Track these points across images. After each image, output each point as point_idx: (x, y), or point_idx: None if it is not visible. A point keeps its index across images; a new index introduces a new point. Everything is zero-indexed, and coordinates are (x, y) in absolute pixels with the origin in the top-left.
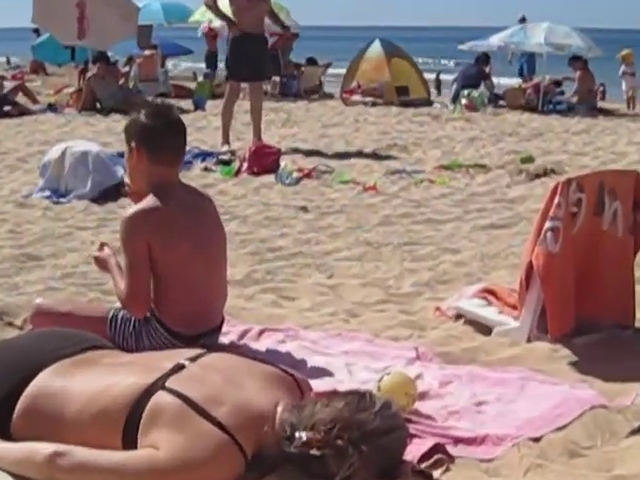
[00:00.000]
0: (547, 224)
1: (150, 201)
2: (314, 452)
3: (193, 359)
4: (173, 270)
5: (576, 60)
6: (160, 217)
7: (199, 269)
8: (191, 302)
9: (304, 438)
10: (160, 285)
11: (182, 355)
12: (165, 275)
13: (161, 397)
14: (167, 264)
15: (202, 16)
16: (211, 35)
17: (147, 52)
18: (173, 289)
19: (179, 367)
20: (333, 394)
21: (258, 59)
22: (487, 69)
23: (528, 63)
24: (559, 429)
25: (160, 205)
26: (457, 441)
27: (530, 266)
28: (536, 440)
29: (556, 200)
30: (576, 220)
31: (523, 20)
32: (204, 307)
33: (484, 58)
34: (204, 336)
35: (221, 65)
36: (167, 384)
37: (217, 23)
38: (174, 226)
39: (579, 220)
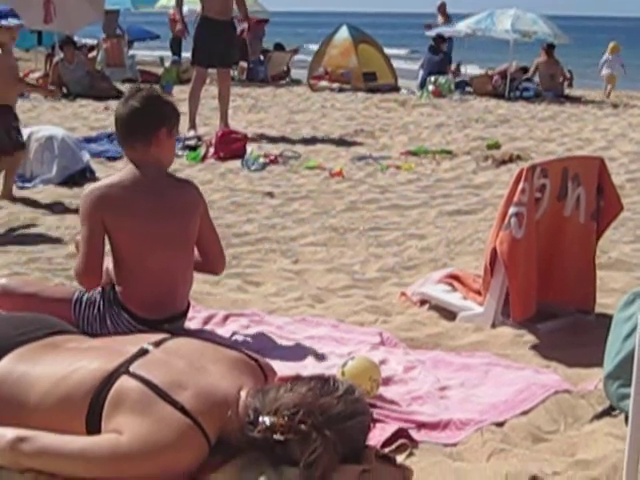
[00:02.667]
0: (511, 209)
1: (113, 178)
2: (277, 437)
3: (157, 344)
4: (131, 252)
5: (549, 47)
6: (116, 194)
7: (159, 254)
8: (153, 287)
9: (267, 423)
10: (122, 269)
11: (146, 340)
12: (124, 258)
13: (125, 382)
14: (123, 245)
15: (169, 1)
16: (176, 20)
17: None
18: (134, 274)
19: (143, 352)
20: (297, 379)
21: (225, 45)
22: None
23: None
24: (523, 414)
25: (120, 182)
26: (420, 426)
27: (494, 252)
28: (500, 425)
29: (520, 186)
30: (540, 206)
31: (441, 7)
32: (167, 292)
33: (440, 40)
34: (169, 321)
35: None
36: (131, 369)
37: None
38: (129, 205)
39: (543, 206)
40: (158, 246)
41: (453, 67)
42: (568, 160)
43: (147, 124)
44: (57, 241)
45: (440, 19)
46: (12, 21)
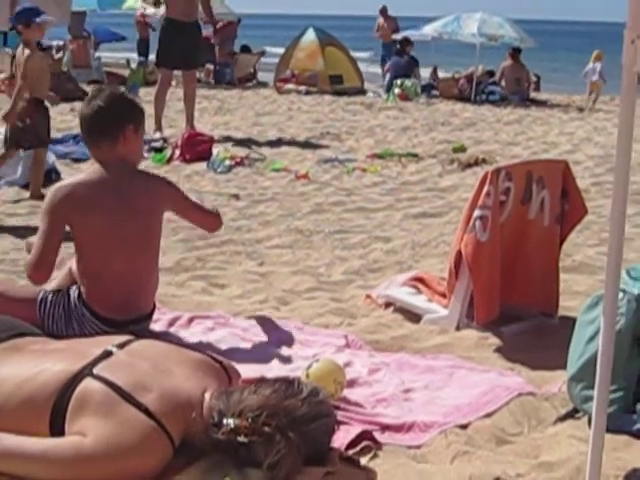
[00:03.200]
0: (476, 212)
1: (80, 177)
2: (241, 439)
3: (121, 346)
4: (96, 252)
5: (514, 51)
6: (82, 193)
7: (124, 254)
8: (118, 288)
9: (231, 425)
10: (87, 269)
11: (110, 342)
12: (89, 257)
13: (88, 384)
14: (88, 244)
15: (135, 2)
16: (143, 22)
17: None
18: (99, 274)
19: (107, 354)
20: (261, 381)
21: (190, 47)
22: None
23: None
24: (487, 416)
25: (86, 181)
26: (385, 428)
27: (459, 254)
28: (463, 427)
29: (485, 189)
30: (504, 209)
31: (383, 10)
32: (132, 293)
33: (403, 46)
34: (134, 322)
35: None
36: (95, 371)
37: (150, 10)
38: (94, 204)
39: (507, 209)
40: (123, 246)
41: (431, 70)
42: (532, 163)
43: (113, 122)
44: (22, 243)
45: (381, 20)
46: (44, 18)
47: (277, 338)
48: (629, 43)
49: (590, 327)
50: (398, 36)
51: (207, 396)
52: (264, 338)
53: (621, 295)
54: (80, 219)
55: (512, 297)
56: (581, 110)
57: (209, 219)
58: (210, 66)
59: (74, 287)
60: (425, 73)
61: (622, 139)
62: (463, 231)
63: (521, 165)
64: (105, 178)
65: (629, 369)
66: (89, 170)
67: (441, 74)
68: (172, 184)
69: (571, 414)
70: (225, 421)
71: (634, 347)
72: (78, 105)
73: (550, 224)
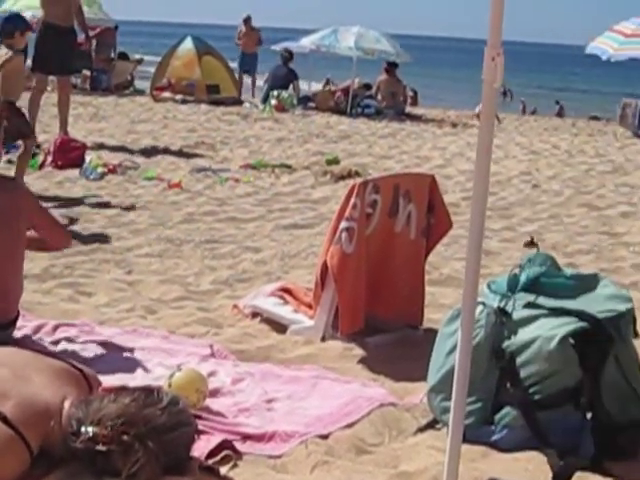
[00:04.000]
0: (342, 224)
1: None
2: (100, 447)
3: None
4: None
5: (390, 65)
6: None
7: None
8: None
9: (90, 433)
10: None
11: None
12: None
13: None
14: None
15: (12, 5)
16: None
17: None
18: None
19: None
20: (121, 389)
21: (65, 53)
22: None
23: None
24: (348, 426)
25: None
26: (246, 437)
27: (325, 266)
28: (324, 437)
29: (352, 201)
30: (370, 221)
31: (247, 20)
32: None
33: (288, 56)
34: None
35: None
36: None
37: (28, 14)
38: None
39: (373, 221)
40: None
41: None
42: (400, 177)
43: None
44: None
45: (243, 29)
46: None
47: (142, 347)
48: (489, 60)
49: (450, 340)
50: (278, 47)
51: (66, 404)
52: (129, 347)
53: (481, 308)
54: None
55: (378, 308)
56: (455, 125)
57: (58, 237)
58: (87, 72)
59: None
60: (304, 85)
61: (481, 154)
62: (329, 242)
63: (388, 178)
64: None
65: (487, 381)
66: None
67: (317, 86)
68: (31, 195)
69: (431, 425)
70: (83, 429)
71: (492, 359)
72: None
73: (416, 237)
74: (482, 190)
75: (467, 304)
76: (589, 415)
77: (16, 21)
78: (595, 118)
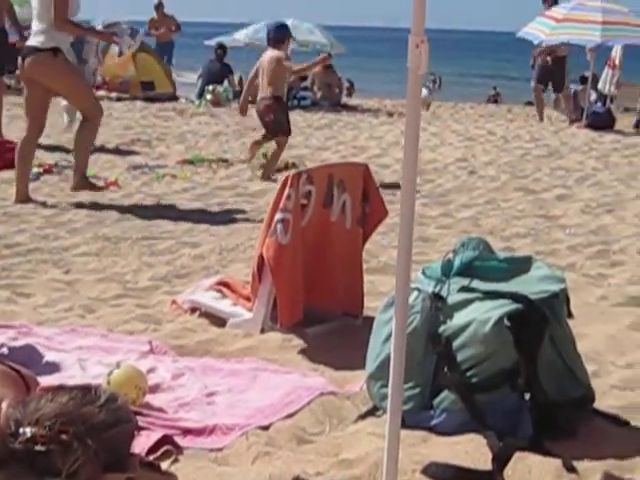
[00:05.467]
0: (277, 216)
1: None
2: (39, 448)
3: None
4: None
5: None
6: None
7: None
8: None
9: (28, 434)
10: None
11: None
12: None
13: None
14: None
15: None
16: None
17: None
18: None
19: None
20: (58, 389)
21: None
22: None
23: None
24: (288, 417)
25: None
26: (186, 432)
27: (262, 258)
28: (265, 428)
29: (286, 192)
30: (306, 212)
31: (158, 6)
32: None
33: (222, 52)
34: None
35: None
36: None
37: None
38: None
39: (309, 212)
40: None
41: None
42: (333, 167)
43: None
44: None
45: (155, 17)
46: None
47: (80, 346)
48: (413, 47)
49: (386, 327)
50: (212, 42)
51: (4, 405)
52: (68, 346)
53: (416, 294)
54: None
55: (317, 299)
56: (391, 115)
57: None
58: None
59: None
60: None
61: (409, 140)
62: (265, 235)
63: (322, 168)
64: None
65: (425, 366)
66: None
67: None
68: None
69: (371, 412)
70: (22, 430)
71: (429, 344)
72: None
73: (352, 226)
74: (411, 176)
75: (400, 290)
76: (527, 396)
77: None
78: (530, 104)
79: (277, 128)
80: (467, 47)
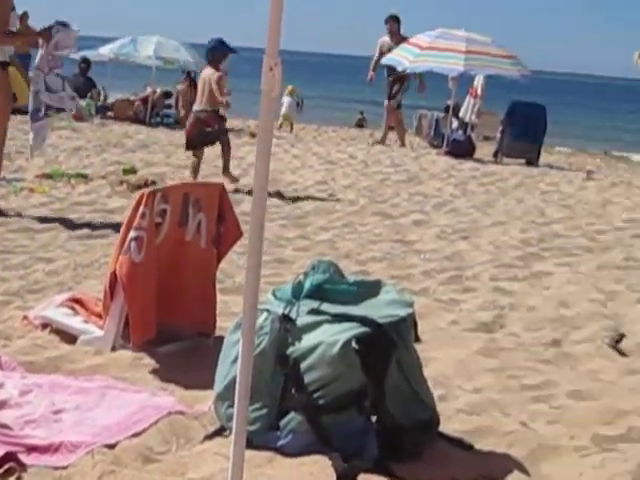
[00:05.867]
0: (131, 234)
1: None
2: None
3: None
4: None
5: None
6: None
7: None
8: None
9: None
10: None
11: None
12: None
13: None
14: None
15: None
16: None
17: None
18: None
19: None
20: None
21: None
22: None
23: None
24: (135, 435)
25: None
26: (31, 449)
27: (114, 275)
28: (111, 447)
29: (140, 210)
30: (160, 230)
31: (23, 17)
32: None
33: (85, 66)
34: None
35: None
36: None
37: None
38: None
39: (163, 230)
40: None
41: (102, 93)
42: (189, 186)
43: None
44: None
45: (19, 26)
46: None
47: None
48: (267, 70)
49: (235, 348)
50: (76, 56)
51: None
52: None
53: (266, 315)
54: None
55: (170, 317)
56: (253, 135)
57: None
58: None
59: None
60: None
61: (261, 161)
62: (119, 252)
63: (178, 187)
64: None
65: (272, 387)
66: None
67: (116, 95)
68: None
69: (219, 432)
70: None
71: (277, 365)
72: None
73: (207, 246)
74: (261, 196)
75: (248, 312)
76: (374, 418)
77: None
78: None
79: (215, 136)
80: (337, 71)
